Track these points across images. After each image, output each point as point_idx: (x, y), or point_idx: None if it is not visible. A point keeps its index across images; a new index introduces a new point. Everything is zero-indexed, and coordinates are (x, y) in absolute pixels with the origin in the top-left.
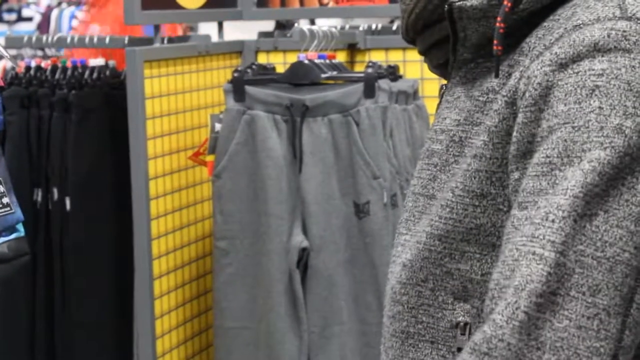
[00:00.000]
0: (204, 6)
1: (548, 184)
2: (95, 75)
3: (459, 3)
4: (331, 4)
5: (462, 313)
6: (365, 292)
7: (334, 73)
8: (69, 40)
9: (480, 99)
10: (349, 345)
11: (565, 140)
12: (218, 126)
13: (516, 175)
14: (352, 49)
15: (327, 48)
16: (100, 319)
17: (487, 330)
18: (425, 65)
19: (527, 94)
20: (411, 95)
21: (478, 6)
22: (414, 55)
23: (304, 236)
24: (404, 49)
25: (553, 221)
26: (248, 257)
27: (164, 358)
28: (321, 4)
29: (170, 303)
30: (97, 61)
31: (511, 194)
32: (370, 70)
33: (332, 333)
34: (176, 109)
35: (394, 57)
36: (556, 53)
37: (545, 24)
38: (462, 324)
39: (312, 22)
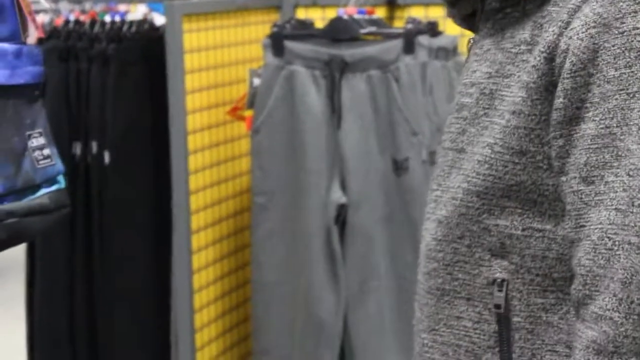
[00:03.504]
0: None
1: (611, 156)
2: (133, 28)
3: None
4: None
5: (499, 269)
6: (403, 249)
7: (373, 29)
8: None
9: (512, 50)
10: (386, 302)
11: (622, 109)
12: (257, 81)
13: (561, 142)
14: (391, 4)
15: (366, 3)
16: (137, 276)
17: (607, 329)
18: None
19: (572, 57)
20: (451, 52)
21: None
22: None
23: (342, 192)
24: (443, 4)
25: None
26: (286, 212)
27: (202, 310)
28: None
29: (207, 257)
30: (136, 14)
31: (555, 159)
32: (409, 26)
33: (370, 289)
34: (215, 63)
35: (434, 13)
36: (598, 13)
37: None
38: (499, 280)
39: None
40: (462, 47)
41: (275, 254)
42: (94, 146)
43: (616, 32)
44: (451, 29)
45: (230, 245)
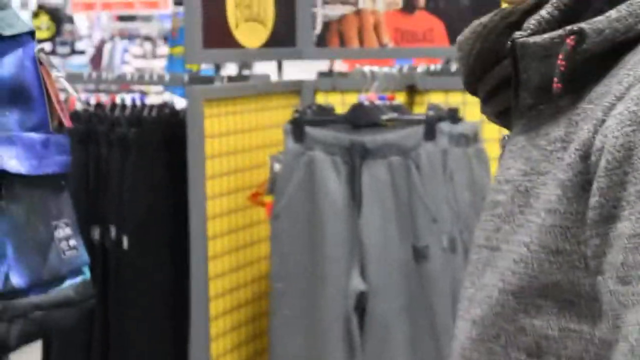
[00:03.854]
0: (264, 45)
1: None
2: (154, 112)
3: (521, 39)
4: (390, 45)
5: None
6: (423, 338)
7: (394, 115)
8: (128, 77)
9: (547, 148)
10: None
11: None
12: (277, 166)
13: (597, 241)
14: (411, 90)
15: (386, 89)
16: None
17: None
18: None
19: (608, 156)
20: (472, 139)
21: (541, 43)
22: (474, 97)
23: (362, 280)
24: (463, 91)
25: None
26: (305, 299)
27: None
28: (380, 44)
29: (226, 345)
30: (155, 98)
31: (591, 258)
32: (430, 112)
33: None
34: (235, 148)
35: (454, 99)
36: (633, 111)
37: (613, 70)
38: None
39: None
40: (483, 134)
41: (293, 342)
42: (113, 231)
43: None
44: (471, 115)
45: (248, 332)
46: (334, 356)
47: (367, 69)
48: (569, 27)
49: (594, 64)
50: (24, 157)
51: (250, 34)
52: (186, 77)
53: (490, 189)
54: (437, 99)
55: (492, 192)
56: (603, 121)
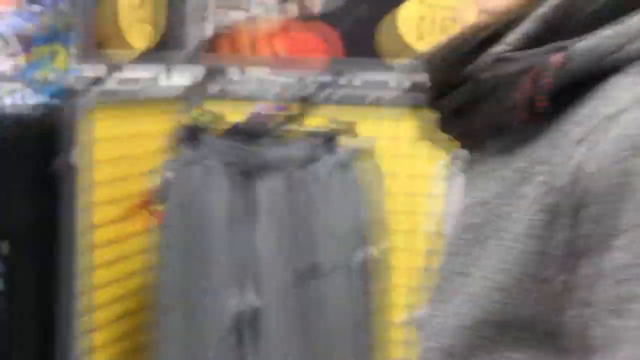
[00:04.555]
0: (155, 48)
1: None
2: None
3: (502, 54)
4: (283, 54)
5: None
6: (316, 356)
7: (293, 126)
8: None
9: (528, 170)
10: None
11: None
12: (169, 174)
13: (586, 271)
14: (304, 101)
15: (280, 100)
16: None
17: None
18: (380, 123)
19: (602, 181)
20: (367, 154)
21: (524, 59)
22: (368, 112)
23: (255, 296)
24: (356, 103)
25: None
26: (193, 313)
27: None
28: (273, 53)
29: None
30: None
31: (579, 289)
32: (330, 125)
33: None
34: (121, 154)
35: (346, 112)
36: (628, 134)
37: (600, 92)
38: None
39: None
40: (378, 150)
41: (176, 358)
42: None
43: None
44: (366, 130)
45: (129, 346)
46: None
47: (261, 77)
48: (555, 44)
49: (577, 84)
50: None
51: (141, 36)
52: (71, 80)
53: (459, 212)
54: (329, 111)
55: (460, 215)
56: (594, 144)
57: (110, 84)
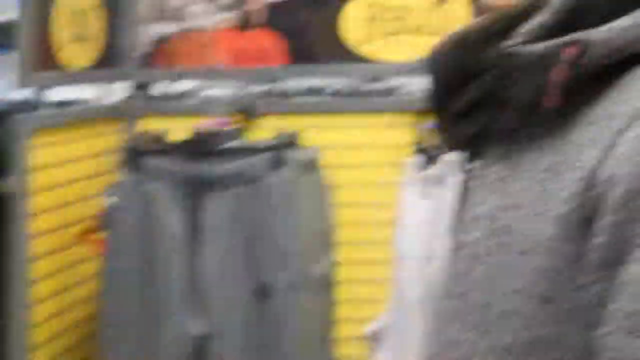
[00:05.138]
0: (94, 66)
1: None
2: None
3: (512, 48)
4: (223, 65)
5: None
6: None
7: (237, 142)
8: None
9: (535, 177)
10: None
11: None
12: (111, 200)
13: (598, 287)
14: (247, 114)
15: (222, 113)
16: None
17: None
18: (325, 132)
19: (620, 188)
20: (313, 166)
21: (537, 52)
22: (311, 120)
23: (203, 321)
24: (301, 114)
25: None
26: (140, 344)
27: None
28: (212, 64)
29: None
30: None
31: (589, 308)
32: (277, 139)
33: None
34: (59, 181)
35: (291, 122)
36: None
37: (617, 89)
38: None
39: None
40: (324, 161)
41: None
42: None
43: None
44: (308, 140)
45: None
46: None
47: (202, 90)
48: (569, 36)
49: (591, 80)
50: None
51: (79, 54)
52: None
53: (453, 229)
54: (273, 123)
55: (456, 232)
56: (610, 147)
57: (46, 106)
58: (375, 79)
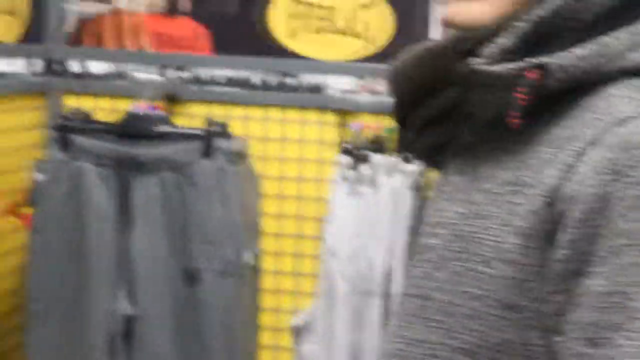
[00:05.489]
0: (19, 41)
1: (623, 317)
2: None
3: (477, 66)
4: (148, 48)
5: None
6: None
7: (168, 127)
8: None
9: (494, 191)
10: None
11: (636, 266)
12: (39, 176)
13: (559, 298)
14: (171, 100)
15: (145, 97)
16: None
17: None
18: (251, 123)
19: (581, 206)
20: (241, 156)
21: (500, 73)
22: (238, 111)
23: (129, 301)
24: (227, 103)
25: None
26: (66, 321)
27: None
28: (138, 47)
29: None
30: None
31: (550, 316)
32: (207, 127)
33: None
34: None
35: (217, 111)
36: (609, 158)
37: (574, 112)
38: None
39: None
40: (251, 151)
41: None
42: None
43: (629, 181)
44: (235, 129)
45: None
46: None
47: (127, 74)
48: (532, 60)
49: (550, 103)
50: None
51: (6, 28)
52: None
53: (420, 233)
54: (199, 110)
55: (421, 236)
56: (571, 167)
57: None
58: (297, 75)
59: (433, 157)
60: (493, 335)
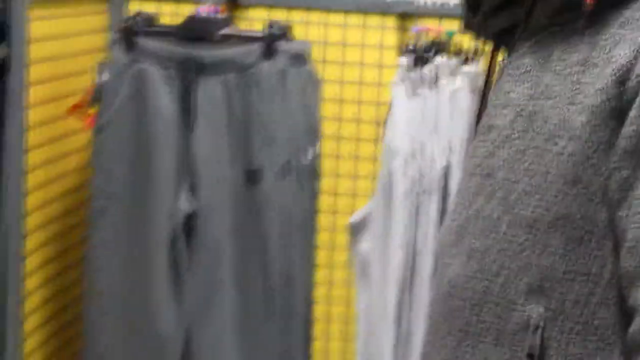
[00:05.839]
0: None
1: None
2: None
3: None
4: None
5: (534, 314)
6: (251, 263)
7: (230, 30)
8: None
9: (564, 72)
10: (230, 318)
11: None
12: (104, 76)
13: (625, 173)
14: (233, 4)
15: (209, 1)
16: None
17: None
18: (312, 27)
19: None
20: (304, 59)
21: None
22: (298, 15)
23: (191, 200)
24: (288, 8)
25: None
26: (128, 218)
27: (32, 316)
28: None
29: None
30: None
31: (614, 191)
32: (270, 29)
33: (214, 303)
34: (52, 54)
35: (277, 15)
36: None
37: None
38: (533, 326)
39: None
40: (314, 55)
41: (114, 262)
42: None
43: None
44: (301, 34)
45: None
46: (157, 278)
47: None
48: None
49: None
50: None
51: None
52: None
53: (485, 114)
54: (260, 14)
55: (485, 117)
56: None
57: None
58: None
59: (502, 38)
60: (552, 210)
